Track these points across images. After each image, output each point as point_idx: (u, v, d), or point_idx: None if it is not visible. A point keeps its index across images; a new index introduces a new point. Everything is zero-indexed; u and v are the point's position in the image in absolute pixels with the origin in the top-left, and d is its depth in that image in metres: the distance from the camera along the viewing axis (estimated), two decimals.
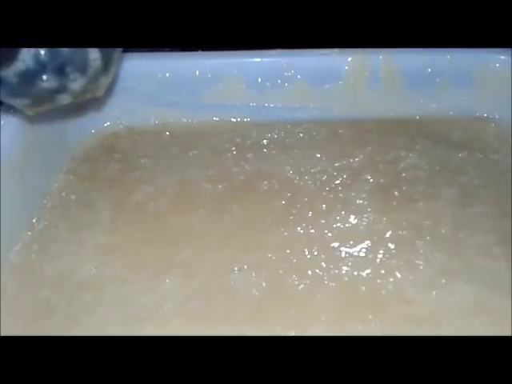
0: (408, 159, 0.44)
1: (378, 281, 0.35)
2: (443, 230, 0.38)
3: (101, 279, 0.36)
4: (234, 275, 0.36)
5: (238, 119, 0.49)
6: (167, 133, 0.48)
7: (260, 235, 0.38)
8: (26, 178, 0.39)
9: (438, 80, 0.48)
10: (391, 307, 0.34)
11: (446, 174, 0.43)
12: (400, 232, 0.38)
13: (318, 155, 0.45)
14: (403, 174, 0.43)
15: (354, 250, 0.37)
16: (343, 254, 0.37)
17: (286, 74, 0.47)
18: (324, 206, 0.40)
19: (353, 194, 0.41)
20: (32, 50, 0.34)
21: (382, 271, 0.36)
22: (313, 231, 0.39)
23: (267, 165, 0.44)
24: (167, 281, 0.35)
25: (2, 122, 0.38)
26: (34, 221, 0.40)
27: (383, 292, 0.34)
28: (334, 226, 0.39)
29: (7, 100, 0.36)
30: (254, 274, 0.36)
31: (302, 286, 0.35)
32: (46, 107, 0.38)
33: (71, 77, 0.36)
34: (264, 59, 0.47)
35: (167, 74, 0.47)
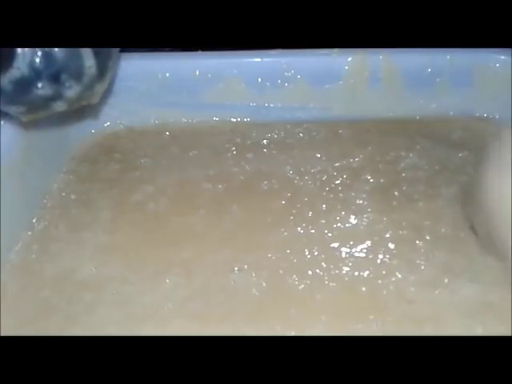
0: (408, 159, 0.44)
1: (379, 281, 0.35)
2: (443, 230, 0.38)
3: (101, 279, 0.36)
4: (233, 275, 0.36)
5: (238, 119, 0.49)
6: (167, 133, 0.48)
7: (260, 235, 0.38)
8: (26, 178, 0.39)
9: (438, 80, 0.48)
10: (392, 307, 0.33)
11: (446, 173, 0.43)
12: (400, 232, 0.38)
13: (318, 155, 0.45)
14: (403, 174, 0.43)
15: (355, 250, 0.37)
16: (343, 254, 0.37)
17: (286, 73, 0.47)
18: (324, 206, 0.40)
19: (353, 193, 0.41)
20: (27, 58, 0.34)
21: (383, 271, 0.36)
22: (313, 231, 0.39)
23: (267, 165, 0.44)
24: (167, 281, 0.35)
25: (1, 122, 0.38)
26: (33, 221, 0.40)
27: (384, 292, 0.34)
28: (334, 226, 0.39)
29: (2, 107, 0.36)
30: (254, 274, 0.36)
31: (302, 286, 0.35)
32: (41, 114, 0.37)
33: (66, 84, 0.36)
34: (264, 59, 0.47)
35: (167, 74, 0.47)
